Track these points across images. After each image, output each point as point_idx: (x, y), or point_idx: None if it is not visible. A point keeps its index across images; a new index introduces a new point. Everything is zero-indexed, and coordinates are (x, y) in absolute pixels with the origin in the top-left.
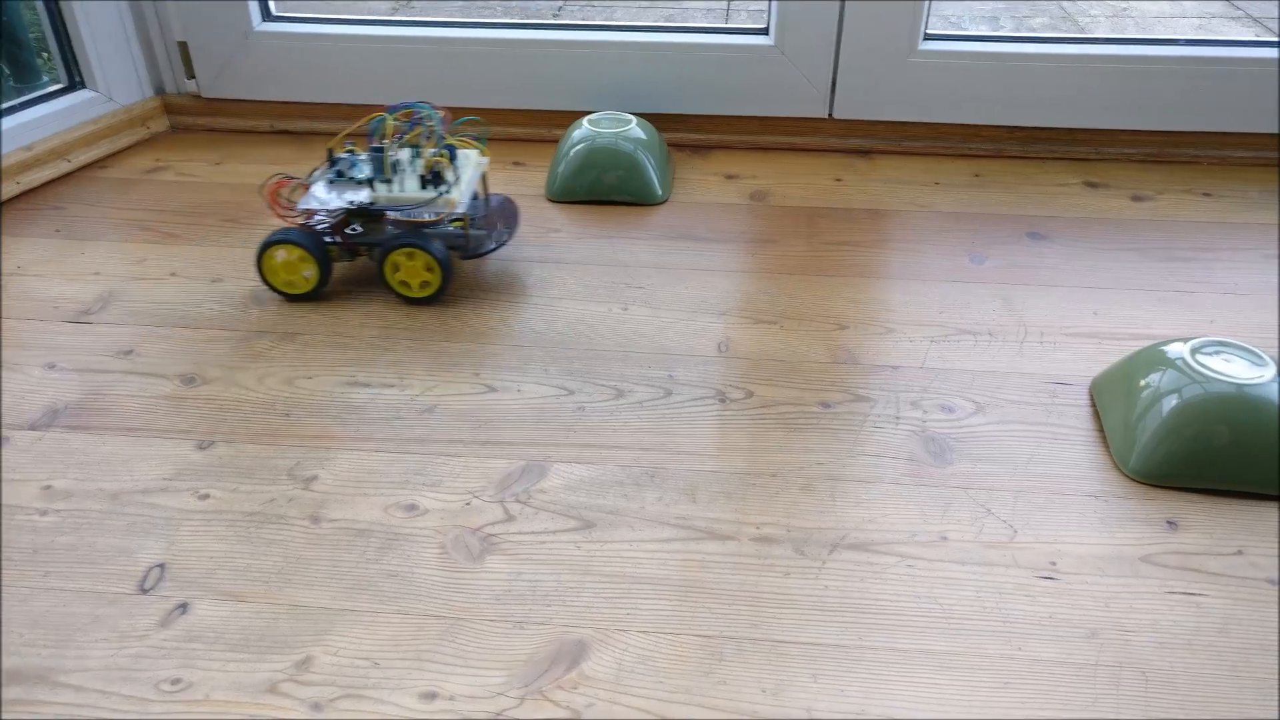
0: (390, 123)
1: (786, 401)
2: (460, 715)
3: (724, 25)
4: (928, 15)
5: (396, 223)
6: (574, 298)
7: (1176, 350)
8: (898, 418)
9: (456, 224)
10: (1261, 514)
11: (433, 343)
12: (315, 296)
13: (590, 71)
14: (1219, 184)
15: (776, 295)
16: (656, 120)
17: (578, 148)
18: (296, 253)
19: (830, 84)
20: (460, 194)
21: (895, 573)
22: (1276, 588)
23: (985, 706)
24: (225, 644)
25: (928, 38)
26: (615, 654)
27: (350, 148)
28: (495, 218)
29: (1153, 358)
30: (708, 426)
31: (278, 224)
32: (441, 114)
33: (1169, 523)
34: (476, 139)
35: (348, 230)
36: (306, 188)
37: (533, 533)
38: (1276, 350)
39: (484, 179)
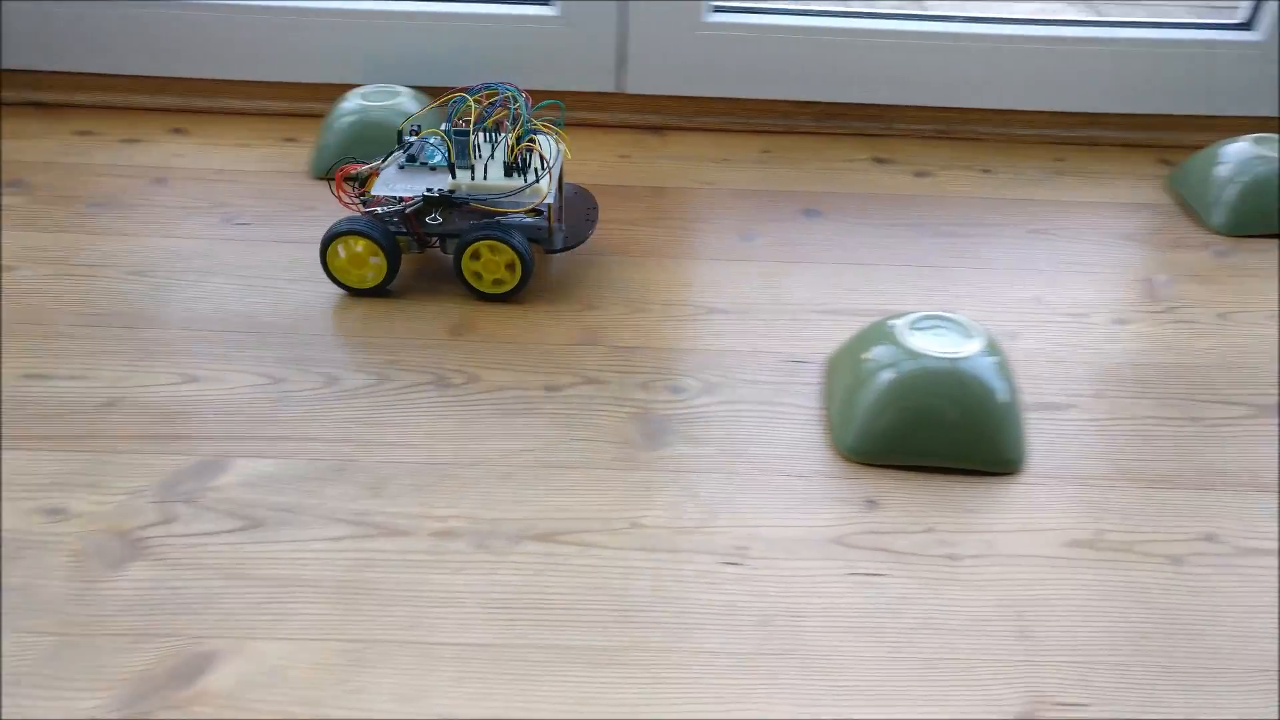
0: (472, 104)
1: (511, 386)
2: None
3: None
4: None
5: (473, 212)
6: (310, 279)
7: (893, 326)
8: (623, 400)
9: (531, 214)
10: (958, 489)
11: (137, 329)
12: (381, 292)
13: (364, 42)
14: (1000, 160)
15: (534, 276)
16: (439, 94)
17: (345, 121)
18: (365, 245)
19: (618, 56)
20: (548, 184)
21: (576, 563)
22: (956, 564)
23: (630, 705)
24: None
25: (716, 9)
26: (244, 665)
27: (415, 129)
28: (571, 209)
29: (872, 334)
30: (418, 414)
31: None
32: (525, 95)
33: (869, 502)
34: (554, 123)
35: (429, 220)
36: (376, 173)
37: (191, 535)
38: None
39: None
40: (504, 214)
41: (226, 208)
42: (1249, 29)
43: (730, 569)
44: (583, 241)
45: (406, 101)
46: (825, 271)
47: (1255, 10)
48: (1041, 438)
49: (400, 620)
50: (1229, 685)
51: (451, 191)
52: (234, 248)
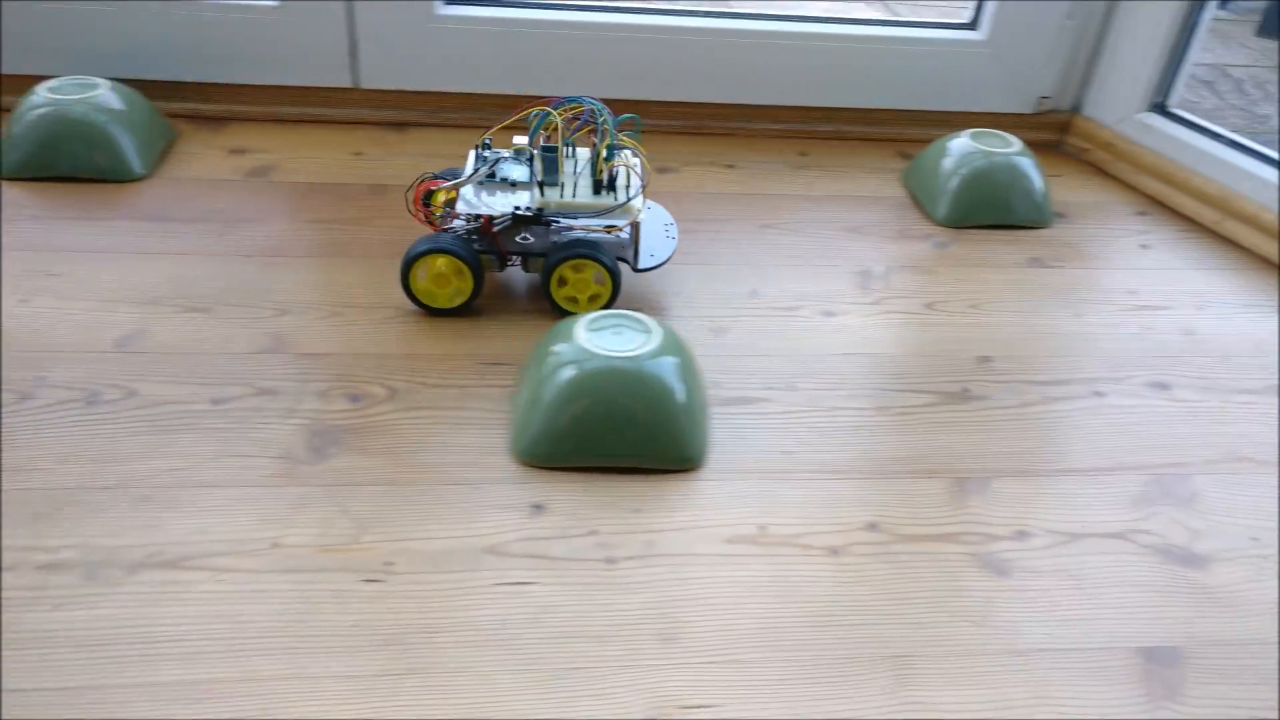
0: (557, 119)
1: (172, 400)
2: None
3: None
4: None
5: (555, 230)
6: None
7: (573, 325)
8: (293, 411)
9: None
10: (632, 489)
11: None
12: (464, 311)
13: (72, 31)
14: (745, 156)
15: (227, 280)
16: (157, 88)
17: (35, 114)
18: (448, 263)
19: (350, 49)
20: (640, 201)
21: (199, 591)
22: (612, 568)
23: None
24: None
25: (449, 1)
26: None
27: (487, 144)
28: (647, 226)
29: (553, 334)
30: (58, 435)
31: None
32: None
33: (536, 507)
34: (632, 136)
35: (519, 239)
36: (456, 190)
37: None
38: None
39: None
40: (590, 230)
41: None
42: (973, 29)
43: (370, 587)
44: (667, 260)
45: (106, 94)
46: None
47: (978, 10)
48: (728, 433)
49: None
50: (860, 675)
51: (541, 209)
52: None
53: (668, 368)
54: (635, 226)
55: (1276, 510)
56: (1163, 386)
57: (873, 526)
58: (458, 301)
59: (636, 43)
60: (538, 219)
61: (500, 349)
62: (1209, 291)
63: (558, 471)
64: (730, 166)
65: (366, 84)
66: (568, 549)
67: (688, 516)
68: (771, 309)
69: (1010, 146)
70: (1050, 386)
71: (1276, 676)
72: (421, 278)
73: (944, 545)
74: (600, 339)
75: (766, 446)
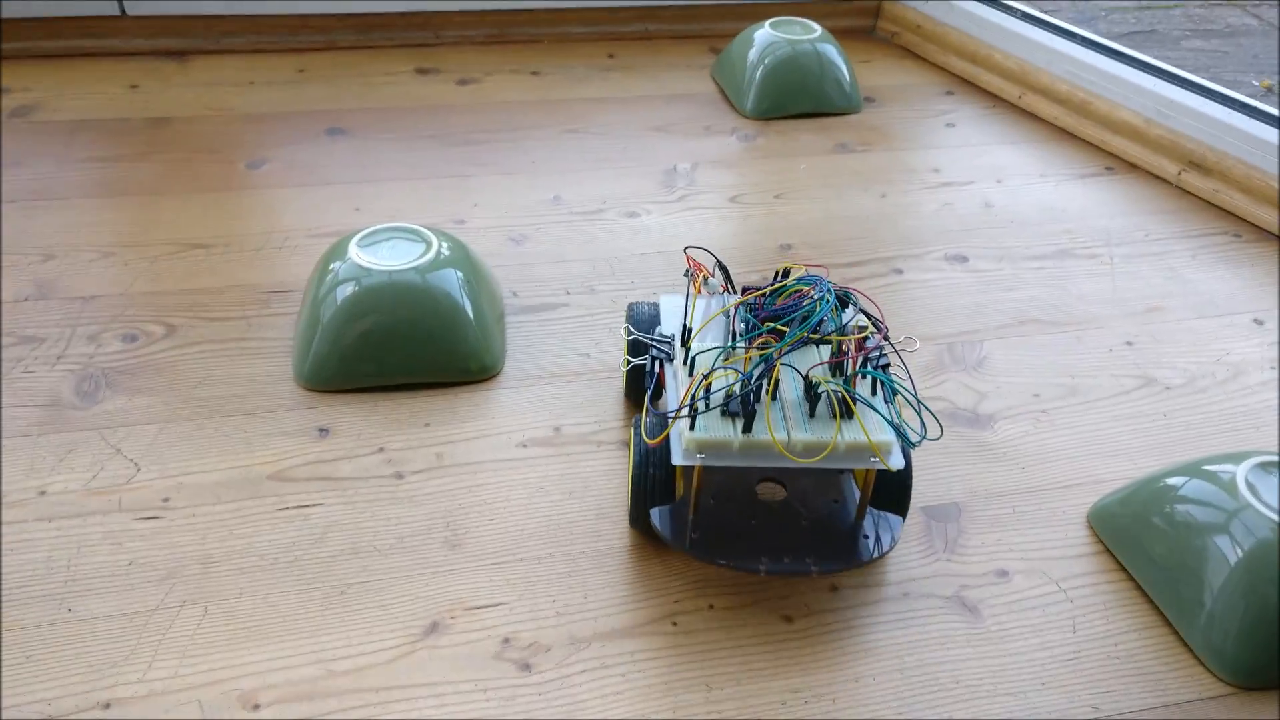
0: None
1: None
2: None
3: None
4: None
5: None
6: None
7: (347, 244)
8: (60, 357)
9: None
10: (421, 404)
11: None
12: None
13: None
14: (551, 61)
15: None
16: None
17: None
18: None
19: None
20: None
21: None
22: (400, 483)
23: None
24: None
25: None
26: None
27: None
28: None
29: (329, 255)
30: None
31: None
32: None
33: (321, 430)
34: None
35: None
36: None
37: None
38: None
39: None
40: None
41: None
42: None
43: (144, 524)
44: None
45: None
46: (333, 193)
47: None
48: (526, 340)
49: None
50: (649, 559)
51: None
52: None
53: (451, 279)
54: None
55: (1056, 365)
56: (961, 259)
57: None
58: None
59: None
60: None
61: (284, 275)
62: (1009, 165)
63: (347, 394)
64: (535, 74)
65: (134, 10)
66: (355, 468)
67: (481, 425)
68: (573, 214)
69: (812, 33)
70: (850, 268)
71: (1046, 520)
72: None
73: None
74: (374, 253)
75: (563, 350)
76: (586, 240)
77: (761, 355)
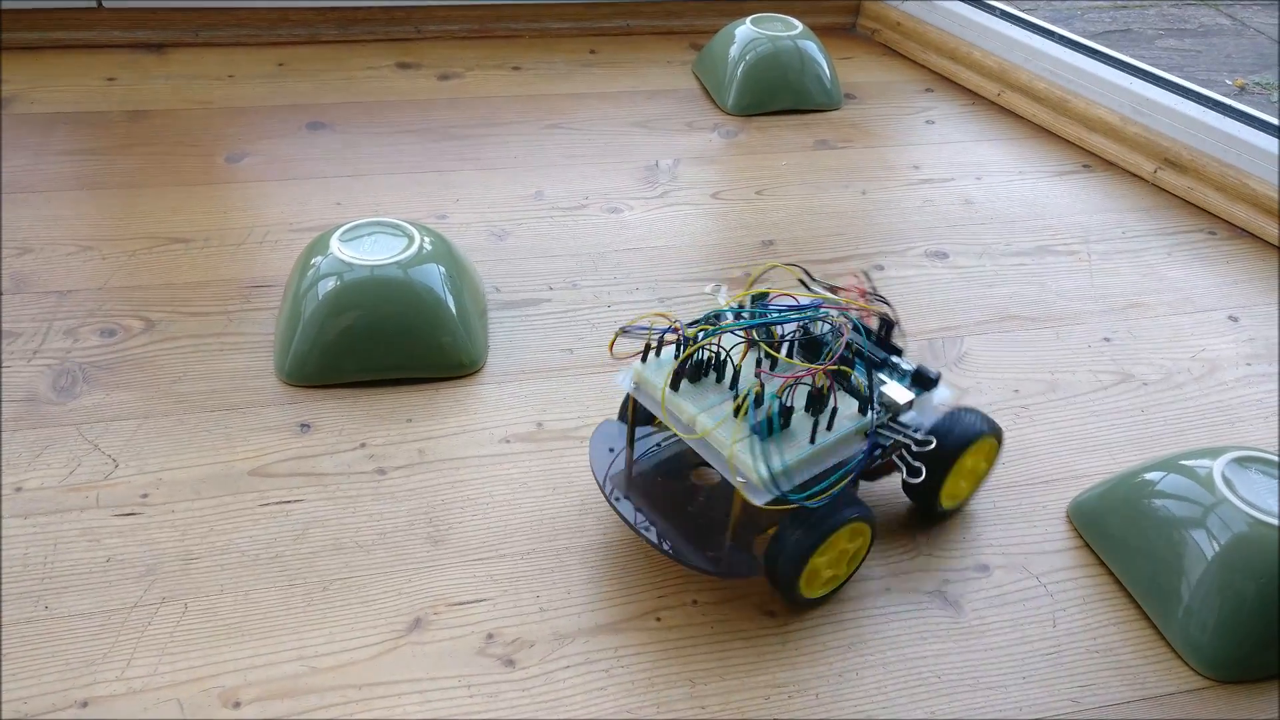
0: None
1: None
2: None
3: None
4: None
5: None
6: None
7: (329, 239)
8: (36, 352)
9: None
10: (404, 399)
11: None
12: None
13: None
14: (532, 57)
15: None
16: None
17: None
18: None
19: None
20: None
21: None
22: (382, 479)
23: None
24: None
25: None
26: None
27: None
28: None
29: (311, 250)
30: None
31: None
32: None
33: (303, 426)
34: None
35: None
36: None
37: None
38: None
39: None
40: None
41: None
42: None
43: (123, 520)
44: None
45: None
46: (313, 187)
47: None
48: (508, 335)
49: None
50: (631, 556)
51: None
52: None
53: (433, 274)
54: None
55: (1036, 361)
56: (941, 255)
57: None
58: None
59: None
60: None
61: (264, 269)
62: (988, 161)
63: (329, 389)
64: (517, 69)
65: (111, 2)
66: (336, 464)
67: (463, 421)
68: (555, 209)
69: (793, 30)
70: (830, 264)
71: (1026, 515)
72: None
73: None
74: (356, 248)
75: (546, 345)
76: (569, 236)
77: (716, 327)
